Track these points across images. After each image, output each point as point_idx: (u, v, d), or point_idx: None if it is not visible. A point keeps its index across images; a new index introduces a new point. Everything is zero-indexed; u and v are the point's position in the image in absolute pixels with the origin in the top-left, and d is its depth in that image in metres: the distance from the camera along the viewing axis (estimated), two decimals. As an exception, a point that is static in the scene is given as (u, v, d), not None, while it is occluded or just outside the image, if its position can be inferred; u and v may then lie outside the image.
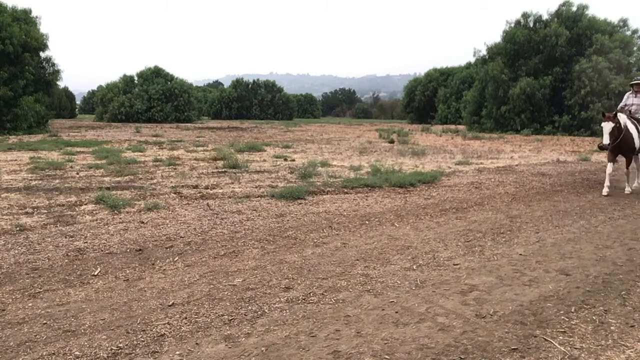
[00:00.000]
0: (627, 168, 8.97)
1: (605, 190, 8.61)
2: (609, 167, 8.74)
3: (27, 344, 3.06)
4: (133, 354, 2.95)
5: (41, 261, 4.62)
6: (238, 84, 66.76)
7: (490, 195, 8.39)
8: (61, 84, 34.04)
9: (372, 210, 7.13)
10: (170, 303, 3.69)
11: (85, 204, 7.06)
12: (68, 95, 60.69)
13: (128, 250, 5.02)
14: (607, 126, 8.29)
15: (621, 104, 9.46)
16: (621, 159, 9.30)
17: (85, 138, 20.72)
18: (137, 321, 3.38)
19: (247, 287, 4.03)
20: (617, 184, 9.47)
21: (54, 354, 2.95)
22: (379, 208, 7.26)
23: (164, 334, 3.20)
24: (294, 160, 13.30)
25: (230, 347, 3.03)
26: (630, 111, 9.09)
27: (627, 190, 9.00)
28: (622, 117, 8.61)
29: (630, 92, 9.47)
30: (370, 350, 3.00)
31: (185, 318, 3.44)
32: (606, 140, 8.25)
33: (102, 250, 4.99)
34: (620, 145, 8.56)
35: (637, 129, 8.78)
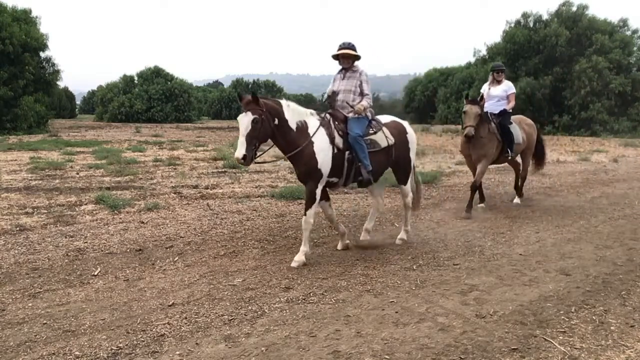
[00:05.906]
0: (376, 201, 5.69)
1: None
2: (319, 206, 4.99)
3: (27, 344, 3.06)
4: (133, 354, 2.94)
5: (41, 261, 4.62)
6: (238, 84, 66.68)
7: (490, 195, 8.38)
8: (61, 84, 34.04)
9: (372, 210, 7.11)
10: (170, 303, 3.69)
11: (85, 204, 7.05)
12: (68, 95, 60.58)
13: (128, 250, 5.02)
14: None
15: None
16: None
17: (85, 138, 20.71)
18: (137, 321, 3.38)
19: (247, 287, 4.03)
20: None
21: (54, 354, 2.95)
22: (379, 208, 7.25)
23: (164, 334, 3.20)
24: (294, 160, 13.28)
25: (230, 347, 3.03)
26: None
27: (400, 237, 5.46)
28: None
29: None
30: (370, 350, 3.00)
31: (185, 318, 3.43)
32: None
33: (102, 250, 4.99)
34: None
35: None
